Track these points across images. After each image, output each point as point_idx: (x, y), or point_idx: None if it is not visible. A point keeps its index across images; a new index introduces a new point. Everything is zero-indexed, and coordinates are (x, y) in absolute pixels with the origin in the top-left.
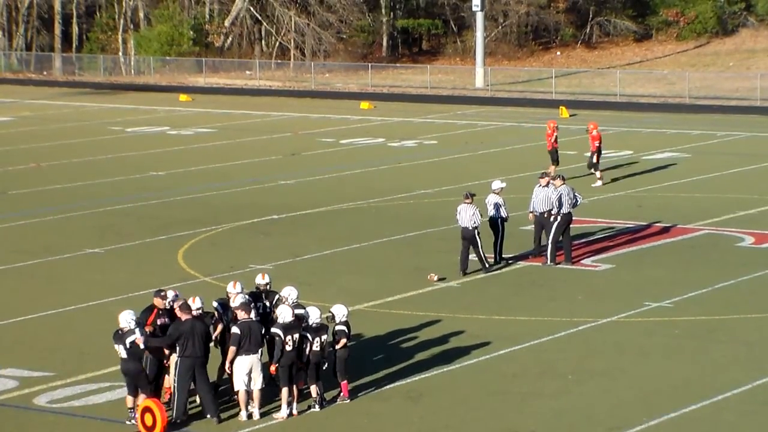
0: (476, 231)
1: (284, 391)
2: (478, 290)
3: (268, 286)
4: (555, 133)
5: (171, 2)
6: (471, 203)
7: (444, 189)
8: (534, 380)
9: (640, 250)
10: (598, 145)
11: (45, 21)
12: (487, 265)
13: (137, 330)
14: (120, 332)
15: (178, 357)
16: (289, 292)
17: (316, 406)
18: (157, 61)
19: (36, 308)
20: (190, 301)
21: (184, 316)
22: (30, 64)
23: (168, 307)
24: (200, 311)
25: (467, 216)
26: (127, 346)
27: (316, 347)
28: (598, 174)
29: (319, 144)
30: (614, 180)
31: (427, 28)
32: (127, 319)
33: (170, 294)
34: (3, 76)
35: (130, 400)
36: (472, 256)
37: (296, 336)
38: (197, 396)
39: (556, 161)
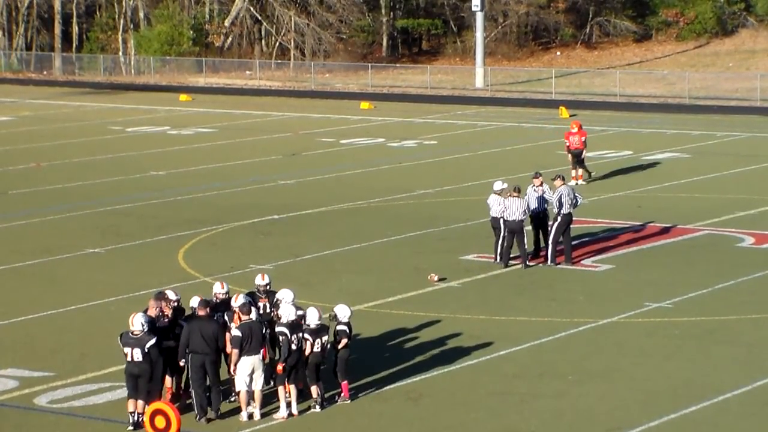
0: (523, 224)
1: (281, 390)
2: (478, 291)
3: (267, 287)
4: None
5: (171, 2)
6: (518, 196)
7: (444, 189)
8: (534, 381)
9: (641, 251)
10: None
11: (45, 21)
12: (527, 262)
13: (154, 338)
14: (131, 335)
15: (188, 352)
16: (284, 295)
17: (317, 407)
18: (157, 61)
19: (36, 308)
20: (193, 301)
21: (200, 312)
22: (30, 64)
23: (171, 307)
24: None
25: (518, 209)
26: (145, 350)
27: (316, 348)
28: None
29: (319, 144)
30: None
31: (427, 28)
32: (141, 322)
33: (171, 294)
34: (3, 76)
35: (131, 403)
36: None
37: (300, 335)
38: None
39: (571, 162)
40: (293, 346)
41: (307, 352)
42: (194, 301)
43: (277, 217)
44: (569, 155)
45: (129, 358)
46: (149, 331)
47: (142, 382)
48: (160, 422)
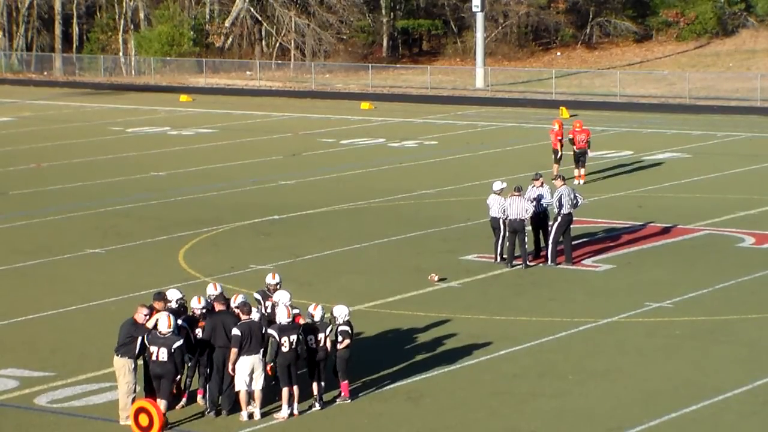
0: (524, 224)
1: (285, 391)
2: (478, 291)
3: (278, 286)
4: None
5: (171, 2)
6: (520, 195)
7: (445, 189)
8: (534, 380)
9: (641, 251)
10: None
11: (45, 21)
12: (528, 262)
13: (182, 339)
14: (159, 334)
15: (216, 347)
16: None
17: (317, 405)
18: (158, 61)
19: (36, 308)
20: (194, 301)
21: (218, 307)
22: (30, 65)
23: (173, 307)
24: (182, 301)
25: (519, 208)
26: (172, 350)
27: (312, 346)
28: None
29: (319, 144)
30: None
31: (428, 28)
32: (173, 323)
33: (174, 294)
34: (3, 77)
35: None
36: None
37: (293, 337)
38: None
39: (575, 161)
40: (284, 348)
41: (302, 351)
42: (194, 302)
43: (278, 217)
44: (571, 153)
45: (154, 358)
46: (177, 333)
47: (165, 383)
48: (143, 420)
